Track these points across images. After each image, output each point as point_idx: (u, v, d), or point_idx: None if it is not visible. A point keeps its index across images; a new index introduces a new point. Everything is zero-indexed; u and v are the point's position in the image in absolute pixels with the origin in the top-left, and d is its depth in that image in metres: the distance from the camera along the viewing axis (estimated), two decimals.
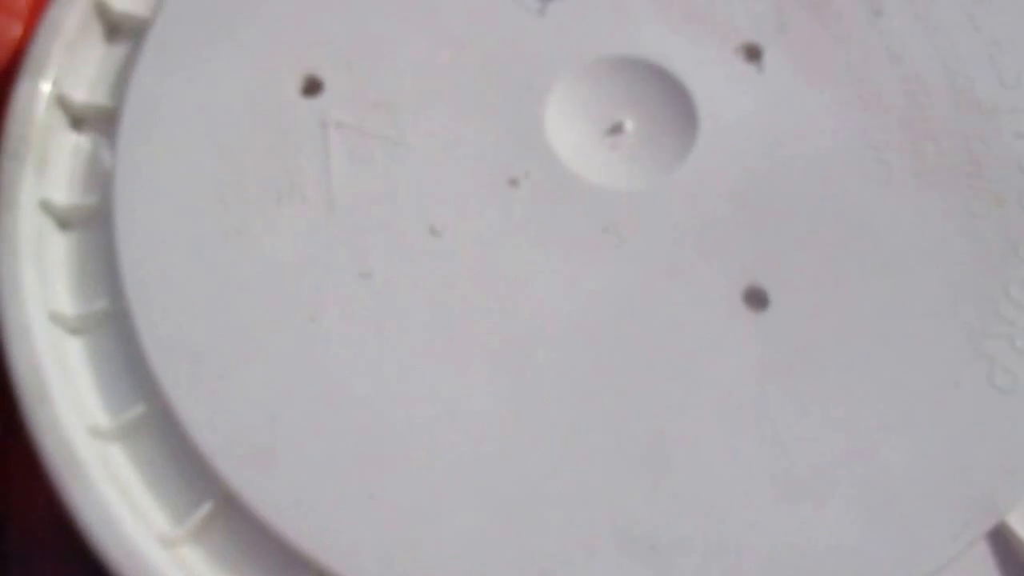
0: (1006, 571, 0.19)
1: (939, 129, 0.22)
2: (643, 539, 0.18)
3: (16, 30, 0.23)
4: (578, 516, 0.18)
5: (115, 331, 0.20)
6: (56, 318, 0.20)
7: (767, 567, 0.18)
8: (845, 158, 0.21)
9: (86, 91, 0.23)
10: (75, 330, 0.20)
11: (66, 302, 0.20)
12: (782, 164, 0.21)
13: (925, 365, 0.19)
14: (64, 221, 0.21)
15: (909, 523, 0.18)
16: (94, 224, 0.21)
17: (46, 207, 0.21)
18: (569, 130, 0.22)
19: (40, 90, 0.21)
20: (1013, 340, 0.20)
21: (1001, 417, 0.19)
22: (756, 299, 0.20)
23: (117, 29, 0.23)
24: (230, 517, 0.18)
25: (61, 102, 0.22)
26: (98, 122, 0.22)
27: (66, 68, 0.22)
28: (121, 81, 0.22)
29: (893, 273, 0.20)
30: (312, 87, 0.22)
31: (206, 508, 0.18)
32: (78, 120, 0.22)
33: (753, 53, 0.22)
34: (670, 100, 0.22)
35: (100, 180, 0.22)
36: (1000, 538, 0.19)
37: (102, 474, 0.19)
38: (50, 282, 0.20)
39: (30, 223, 0.20)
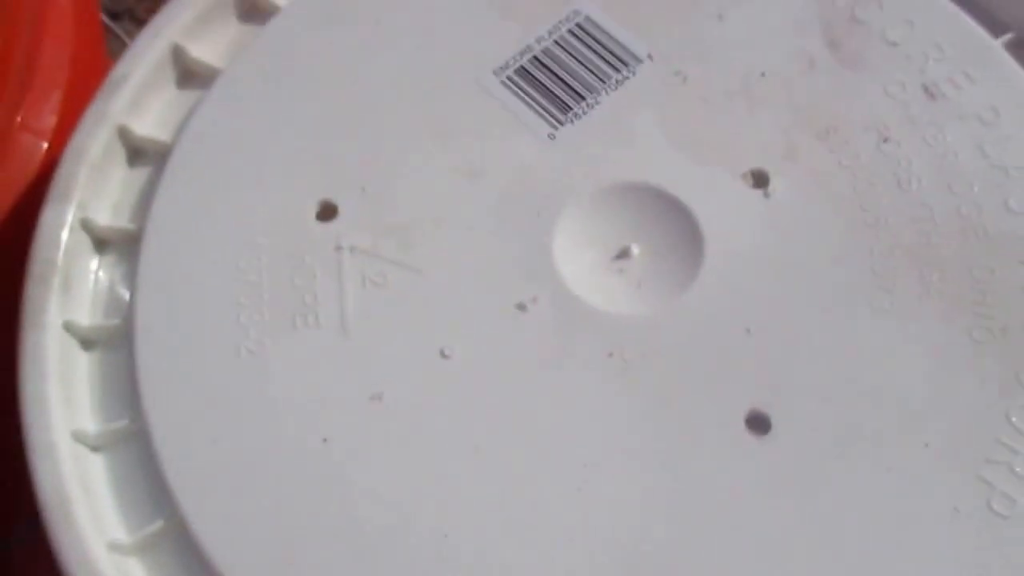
0: None
1: (945, 256, 0.29)
2: None
3: (42, 149, 0.31)
4: None
5: (135, 449, 0.28)
6: (79, 436, 0.27)
7: None
8: (849, 285, 0.29)
9: (109, 214, 0.31)
10: (96, 447, 0.28)
11: (88, 420, 0.28)
12: (787, 290, 0.29)
13: (925, 491, 0.26)
14: (87, 341, 0.29)
15: None
16: (116, 344, 0.29)
17: (69, 328, 0.29)
18: (576, 255, 0.29)
19: (66, 214, 0.29)
20: (1013, 467, 0.26)
21: (1000, 543, 0.26)
22: (758, 424, 0.27)
23: (139, 153, 0.32)
24: None
25: (85, 226, 0.30)
26: (120, 244, 0.31)
27: (90, 192, 0.30)
28: (143, 204, 0.31)
29: (894, 400, 0.27)
30: (327, 212, 0.30)
31: None
32: (101, 242, 0.31)
33: (760, 179, 0.30)
34: (677, 226, 0.30)
35: (121, 302, 0.30)
36: None
37: None
38: (73, 401, 0.28)
39: (55, 343, 0.28)
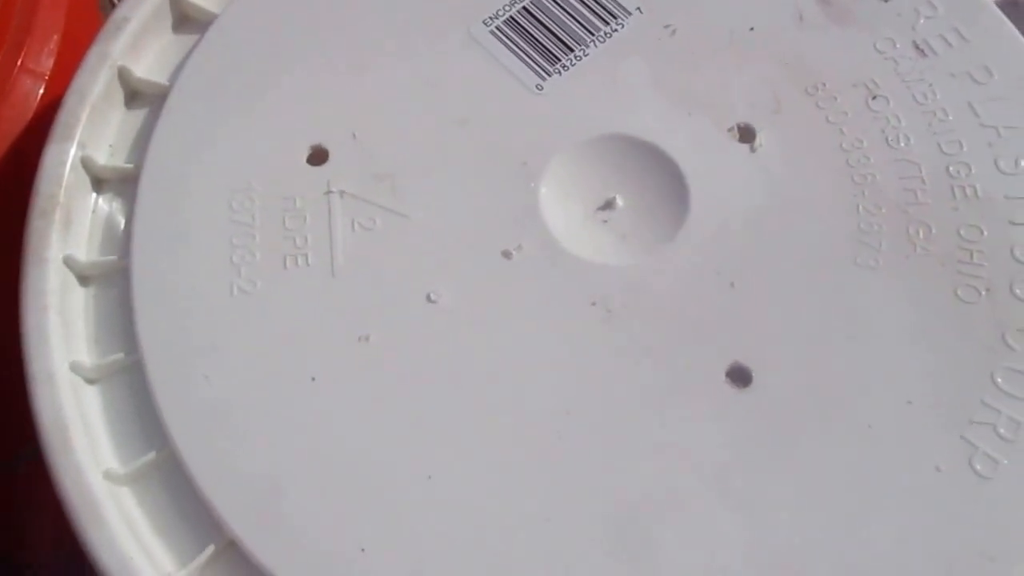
0: None
1: (932, 214, 0.29)
2: None
3: (39, 91, 0.32)
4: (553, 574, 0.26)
5: (129, 382, 0.29)
6: (76, 368, 0.29)
7: None
8: (835, 240, 0.29)
9: (107, 154, 0.32)
10: (92, 380, 0.29)
11: (85, 353, 0.29)
12: (771, 244, 0.29)
13: (907, 449, 0.27)
14: (84, 276, 0.30)
15: None
16: (112, 280, 0.30)
17: (69, 263, 0.30)
18: (562, 205, 0.30)
19: (67, 152, 0.31)
20: (996, 428, 0.27)
21: (981, 503, 0.26)
22: (740, 377, 0.28)
23: (137, 95, 0.33)
24: (231, 560, 0.27)
25: (86, 164, 0.31)
26: (118, 183, 0.32)
27: (90, 131, 0.31)
28: (141, 144, 0.32)
29: (878, 356, 0.28)
30: (318, 157, 0.31)
31: (209, 551, 0.27)
32: (99, 181, 0.32)
33: (747, 134, 0.31)
34: (662, 178, 0.30)
35: (118, 239, 0.31)
36: None
37: (115, 515, 0.27)
38: (71, 333, 0.29)
39: (55, 277, 0.29)
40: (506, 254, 0.29)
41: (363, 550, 0.26)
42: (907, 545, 0.26)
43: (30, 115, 0.34)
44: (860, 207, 0.30)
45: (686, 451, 0.27)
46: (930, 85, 0.31)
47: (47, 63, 0.34)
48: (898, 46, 0.32)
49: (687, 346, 0.28)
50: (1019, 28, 0.32)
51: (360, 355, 0.28)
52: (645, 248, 0.30)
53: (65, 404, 0.28)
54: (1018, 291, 0.28)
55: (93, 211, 0.31)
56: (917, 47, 0.32)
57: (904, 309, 0.28)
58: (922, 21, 0.32)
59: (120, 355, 0.29)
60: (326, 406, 0.28)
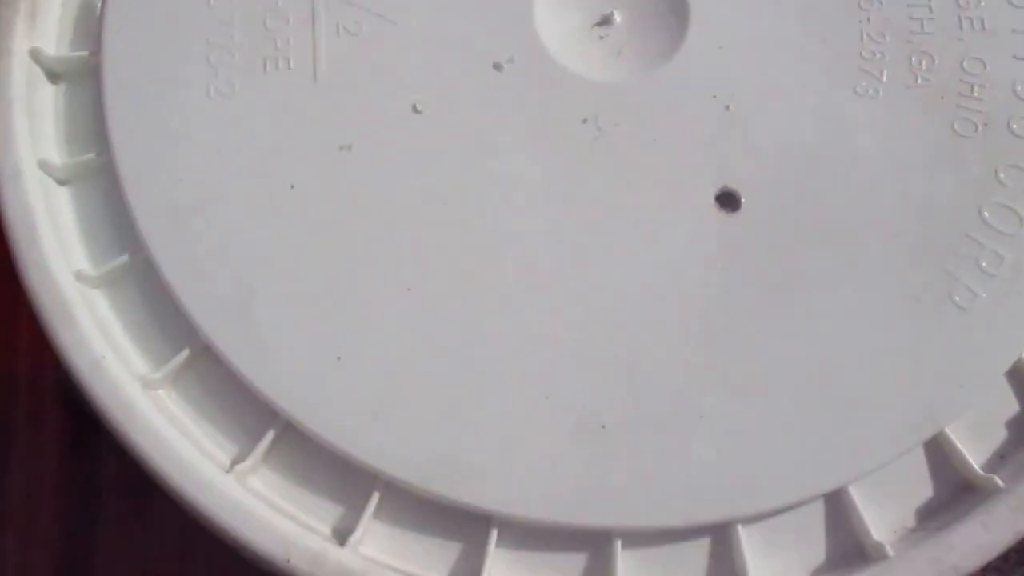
0: (938, 480, 0.27)
1: (936, 45, 0.29)
2: (592, 421, 0.26)
3: None
4: (527, 391, 0.26)
5: (101, 184, 0.28)
6: (44, 166, 0.28)
7: (711, 455, 0.25)
8: (835, 67, 0.28)
9: None
10: (63, 181, 0.28)
11: (54, 152, 0.28)
12: (770, 69, 0.28)
13: (888, 278, 0.27)
14: (53, 73, 0.29)
15: (850, 423, 0.26)
16: (82, 77, 0.29)
17: (36, 57, 0.28)
18: (557, 19, 0.29)
19: None
20: (979, 261, 0.27)
21: (956, 333, 0.26)
22: (728, 201, 0.28)
23: None
24: (206, 365, 0.27)
25: None
26: None
27: None
28: None
29: (867, 187, 0.28)
30: None
31: (184, 355, 0.26)
32: None
33: None
34: None
35: (90, 33, 0.29)
36: (937, 448, 0.27)
37: (86, 316, 0.27)
38: (39, 131, 0.28)
39: (21, 71, 0.28)
40: (497, 66, 0.28)
41: (339, 358, 0.26)
42: (877, 368, 0.26)
43: None
44: (864, 34, 0.29)
45: (671, 273, 0.27)
46: None
47: None
48: None
49: (677, 168, 0.28)
50: None
51: (342, 164, 0.27)
52: (640, 66, 0.29)
53: (33, 201, 0.27)
54: (1015, 127, 0.28)
55: (62, 3, 0.30)
56: None
57: (899, 140, 0.28)
58: None
59: (92, 155, 0.28)
60: (305, 214, 0.27)
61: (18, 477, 0.40)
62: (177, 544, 0.40)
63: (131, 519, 0.40)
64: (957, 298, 0.27)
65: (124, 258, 0.27)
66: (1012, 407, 0.27)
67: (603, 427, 0.26)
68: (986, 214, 0.27)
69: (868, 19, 0.29)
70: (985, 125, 0.28)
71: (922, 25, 0.29)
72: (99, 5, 0.29)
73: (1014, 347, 0.26)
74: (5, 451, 0.39)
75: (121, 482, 0.40)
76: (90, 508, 0.40)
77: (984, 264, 0.27)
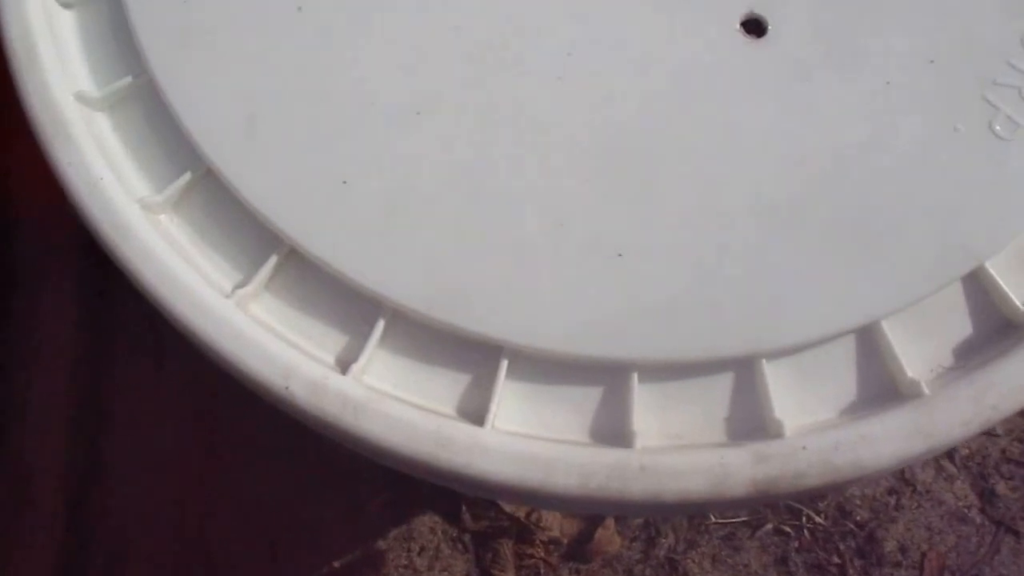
0: (977, 317, 0.25)
1: None
2: (608, 247, 0.24)
3: None
4: (540, 216, 0.25)
5: (107, 7, 0.27)
6: None
7: (735, 286, 0.24)
8: None
9: None
10: (67, 3, 0.27)
11: None
12: None
13: (926, 106, 0.25)
14: None
15: (884, 255, 0.24)
16: None
17: None
18: None
19: None
20: (1021, 90, 0.25)
21: (996, 165, 0.25)
22: (754, 26, 0.26)
23: None
24: (209, 189, 0.26)
25: None
26: None
27: None
28: None
29: (902, 12, 0.26)
30: None
31: (185, 179, 0.26)
32: None
33: None
34: None
35: None
36: (976, 283, 0.25)
37: (86, 136, 0.26)
38: None
39: None
40: None
41: (344, 182, 0.25)
42: (913, 201, 0.24)
43: None
44: None
45: (695, 98, 0.25)
46: None
47: None
48: None
49: None
50: None
51: None
52: None
53: (34, 20, 0.26)
54: None
55: None
56: None
57: None
58: None
59: None
60: (311, 37, 0.26)
61: (42, 320, 0.40)
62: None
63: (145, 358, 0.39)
64: (998, 127, 0.25)
65: (127, 80, 0.26)
66: None
67: (620, 255, 0.25)
68: None
69: None
70: None
71: None
72: None
73: None
74: (33, 295, 0.39)
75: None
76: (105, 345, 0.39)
77: None
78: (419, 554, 0.47)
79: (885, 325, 0.25)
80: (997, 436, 0.51)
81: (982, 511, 0.49)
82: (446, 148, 0.25)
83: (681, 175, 0.25)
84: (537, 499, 0.24)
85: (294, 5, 0.26)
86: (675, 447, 0.24)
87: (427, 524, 0.47)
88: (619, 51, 0.26)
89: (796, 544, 0.49)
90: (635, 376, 0.24)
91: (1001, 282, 0.25)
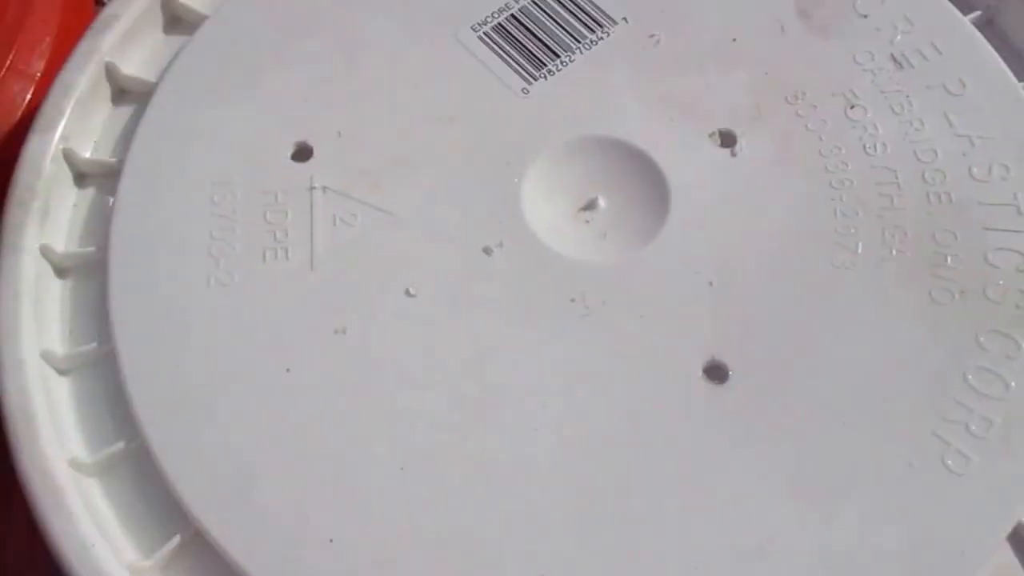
0: None
1: (908, 219, 0.30)
2: None
3: (28, 93, 0.33)
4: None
5: (101, 372, 0.28)
6: (47, 356, 0.28)
7: None
8: (812, 243, 0.30)
9: (91, 148, 0.32)
10: (64, 371, 0.29)
11: (57, 343, 0.29)
12: (749, 246, 0.30)
13: (880, 445, 0.27)
14: (61, 268, 0.30)
15: None
16: (88, 272, 0.30)
17: (45, 252, 0.30)
18: (544, 204, 0.30)
19: (49, 144, 0.31)
20: (968, 425, 0.27)
21: (952, 498, 0.26)
22: (716, 373, 0.28)
23: (124, 92, 0.33)
24: (198, 552, 0.26)
25: (68, 157, 0.31)
26: (100, 178, 0.32)
27: (74, 125, 0.32)
28: (124, 140, 0.32)
29: (852, 356, 0.28)
30: (303, 154, 0.31)
31: (175, 542, 0.26)
32: (82, 175, 0.32)
33: (728, 139, 0.31)
34: (644, 180, 0.31)
35: (97, 232, 0.31)
36: None
37: (79, 504, 0.26)
38: (45, 323, 0.29)
39: (31, 267, 0.29)
40: (487, 250, 0.29)
41: (331, 540, 0.26)
42: (878, 539, 0.26)
43: (18, 116, 0.34)
44: (837, 211, 0.30)
45: (665, 445, 0.27)
46: (907, 96, 0.32)
47: (38, 64, 0.34)
48: (876, 58, 0.32)
49: (665, 342, 0.28)
50: (992, 44, 0.33)
51: (336, 347, 0.28)
52: (626, 247, 0.30)
53: (33, 392, 0.27)
54: (991, 294, 0.29)
55: (74, 204, 0.31)
56: (895, 60, 0.32)
57: (880, 310, 0.29)
58: (899, 36, 0.33)
59: (93, 344, 0.29)
60: (300, 397, 0.27)
61: None
62: None
63: None
64: (950, 462, 0.26)
65: (120, 445, 0.27)
66: (1016, 572, 0.26)
67: None
68: (971, 378, 0.28)
69: (841, 197, 0.30)
70: (962, 292, 0.29)
71: (892, 201, 0.30)
72: (110, 202, 0.31)
73: (1012, 510, 0.26)
74: None
75: None
76: None
77: (974, 428, 0.27)
78: None
79: None
80: None
81: None
82: (430, 508, 0.26)
83: (658, 522, 0.26)
84: None
85: (283, 367, 0.27)
86: None
87: None
88: (592, 409, 0.27)
89: None
90: None
91: None
